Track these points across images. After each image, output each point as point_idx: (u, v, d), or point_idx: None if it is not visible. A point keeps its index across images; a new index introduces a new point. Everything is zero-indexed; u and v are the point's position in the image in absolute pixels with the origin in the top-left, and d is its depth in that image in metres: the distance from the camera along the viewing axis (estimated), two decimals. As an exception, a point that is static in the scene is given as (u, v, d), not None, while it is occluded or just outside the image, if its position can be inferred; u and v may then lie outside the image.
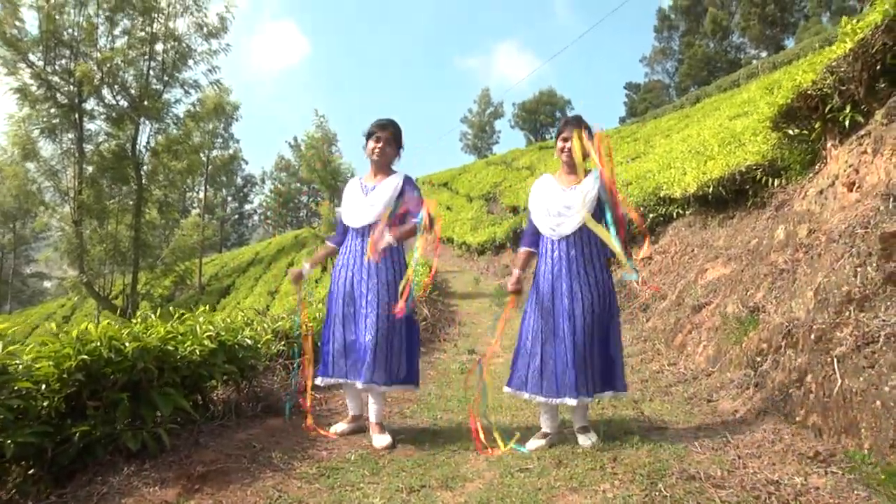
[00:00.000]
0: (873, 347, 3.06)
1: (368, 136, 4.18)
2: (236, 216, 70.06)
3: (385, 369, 3.92)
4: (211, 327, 4.14)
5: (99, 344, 3.23)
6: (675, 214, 10.10)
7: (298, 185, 59.29)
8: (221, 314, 5.24)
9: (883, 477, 2.15)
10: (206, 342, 3.89)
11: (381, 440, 3.93)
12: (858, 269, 3.75)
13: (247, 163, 55.58)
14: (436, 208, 4.27)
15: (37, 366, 3.07)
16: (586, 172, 3.92)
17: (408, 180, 4.20)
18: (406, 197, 4.10)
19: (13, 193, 34.33)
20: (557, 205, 3.92)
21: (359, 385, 3.91)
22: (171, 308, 4.40)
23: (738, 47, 54.63)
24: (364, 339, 3.92)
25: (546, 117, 65.09)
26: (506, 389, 4.03)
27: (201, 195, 45.24)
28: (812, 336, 3.75)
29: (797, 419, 3.62)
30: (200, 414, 3.94)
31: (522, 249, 4.20)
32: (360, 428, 4.24)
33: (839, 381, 3.18)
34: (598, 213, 3.89)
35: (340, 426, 4.24)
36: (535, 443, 3.84)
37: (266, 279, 34.74)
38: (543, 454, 3.60)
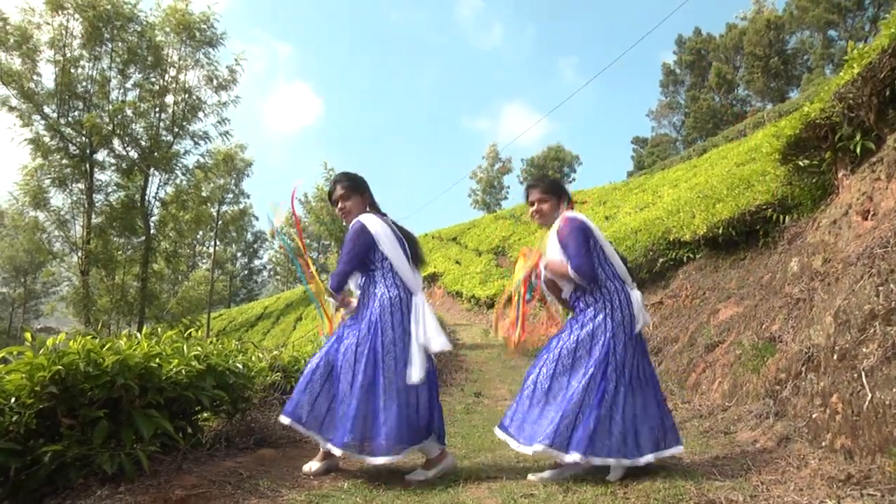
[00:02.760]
0: (904, 357, 2.84)
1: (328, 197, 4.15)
2: (245, 272, 70.17)
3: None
4: (199, 349, 3.95)
5: (77, 357, 3.04)
6: (685, 258, 9.91)
7: (307, 240, 59.54)
8: (213, 338, 5.03)
9: None
10: (194, 363, 3.69)
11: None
12: (880, 288, 3.55)
13: (257, 219, 55.96)
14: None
15: (7, 377, 2.88)
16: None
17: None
18: None
19: (25, 247, 34.61)
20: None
21: None
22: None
23: (744, 100, 55.06)
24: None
25: (554, 172, 65.40)
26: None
27: (211, 250, 45.41)
28: (835, 356, 3.53)
29: (823, 444, 3.37)
30: (187, 441, 3.71)
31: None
32: (333, 466, 3.81)
33: (869, 395, 2.95)
34: None
35: (313, 465, 3.75)
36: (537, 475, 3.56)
37: (274, 333, 34.54)
38: (550, 481, 3.35)
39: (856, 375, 3.15)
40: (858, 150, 5.63)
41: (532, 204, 3.95)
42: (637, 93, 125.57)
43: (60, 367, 2.94)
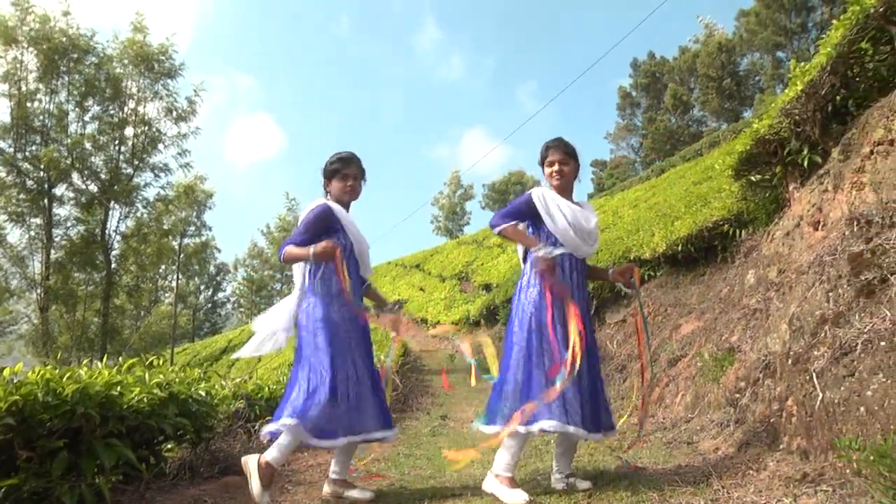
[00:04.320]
0: (852, 356, 2.94)
1: (333, 173, 3.90)
2: (209, 305, 69.11)
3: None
4: (161, 377, 3.91)
5: (35, 386, 2.99)
6: (646, 276, 10.05)
7: (271, 272, 59.06)
8: (175, 367, 4.98)
9: (872, 458, 2.00)
10: (156, 391, 3.66)
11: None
12: (830, 294, 3.67)
13: (220, 251, 55.46)
14: None
15: (-39, 410, 2.82)
16: None
17: None
18: None
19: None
20: (587, 225, 3.79)
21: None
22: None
23: (699, 120, 56.17)
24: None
25: (515, 197, 65.80)
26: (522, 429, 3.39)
27: (174, 283, 44.75)
28: (790, 361, 3.63)
29: (781, 446, 3.46)
30: (149, 471, 3.66)
31: (515, 224, 3.79)
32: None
33: (820, 395, 3.04)
34: None
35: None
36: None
37: (239, 366, 33.93)
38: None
39: (808, 378, 3.24)
40: (806, 163, 5.82)
41: (552, 164, 3.85)
42: (595, 117, 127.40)
43: (18, 397, 2.88)
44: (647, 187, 25.31)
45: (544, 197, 3.81)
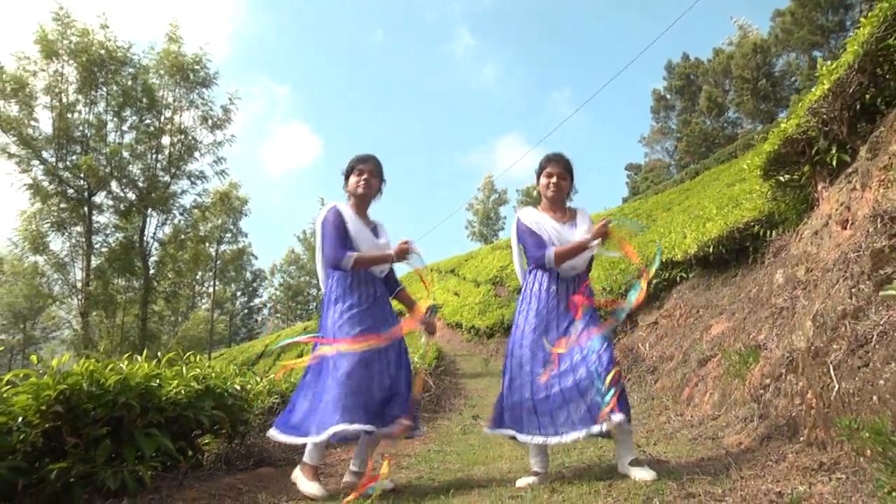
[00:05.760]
0: (867, 348, 2.98)
1: (350, 170, 4.08)
2: (245, 311, 70.09)
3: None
4: (198, 370, 4.08)
5: (81, 377, 3.17)
6: (678, 278, 10.04)
7: (307, 278, 59.72)
8: (215, 362, 5.16)
9: (868, 436, 2.05)
10: (193, 384, 3.82)
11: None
12: (853, 290, 3.70)
13: (256, 258, 56.28)
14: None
15: (15, 398, 3.01)
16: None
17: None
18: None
19: (24, 293, 34.75)
20: (562, 238, 3.89)
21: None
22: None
23: (734, 122, 55.42)
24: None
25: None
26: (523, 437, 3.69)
27: (210, 289, 45.52)
28: (810, 356, 3.67)
29: (801, 438, 3.50)
30: (187, 461, 3.83)
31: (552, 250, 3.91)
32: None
33: (836, 386, 3.08)
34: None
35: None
36: (525, 480, 3.67)
37: (275, 371, 34.37)
38: (537, 485, 3.47)
39: (826, 370, 3.28)
40: (835, 162, 5.80)
41: (551, 175, 3.99)
42: (629, 120, 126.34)
43: (65, 386, 3.08)
44: (680, 190, 25.16)
45: (529, 219, 4.05)
